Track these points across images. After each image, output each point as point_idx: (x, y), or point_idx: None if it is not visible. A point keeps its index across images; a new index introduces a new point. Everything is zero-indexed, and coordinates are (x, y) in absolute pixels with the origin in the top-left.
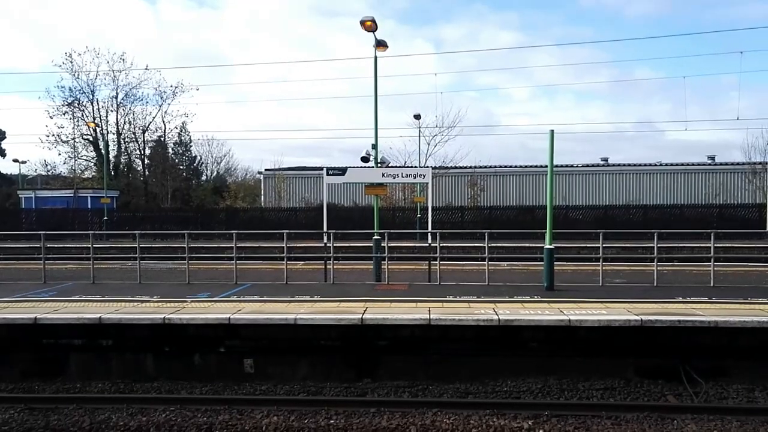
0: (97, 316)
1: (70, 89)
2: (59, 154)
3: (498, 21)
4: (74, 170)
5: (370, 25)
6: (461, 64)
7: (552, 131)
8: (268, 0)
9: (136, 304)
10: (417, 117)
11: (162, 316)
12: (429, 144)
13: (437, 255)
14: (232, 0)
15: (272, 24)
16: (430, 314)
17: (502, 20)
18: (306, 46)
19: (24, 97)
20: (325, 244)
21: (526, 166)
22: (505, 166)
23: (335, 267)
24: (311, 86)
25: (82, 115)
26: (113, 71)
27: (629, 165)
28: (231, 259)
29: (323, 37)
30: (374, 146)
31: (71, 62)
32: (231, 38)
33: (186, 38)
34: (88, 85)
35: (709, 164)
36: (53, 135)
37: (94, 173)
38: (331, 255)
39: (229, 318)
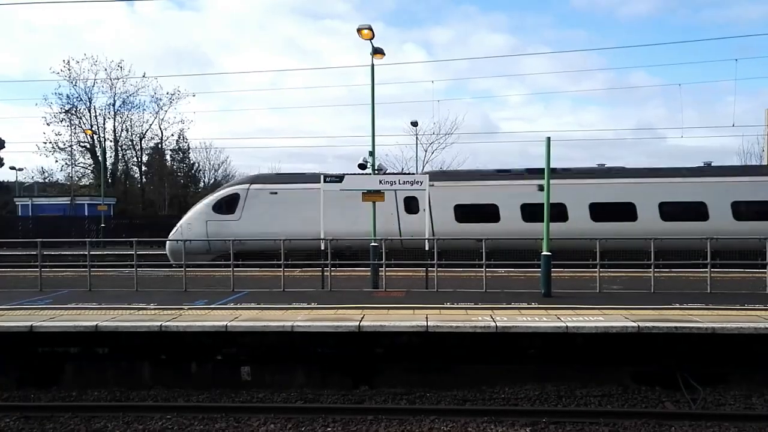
0: (94, 323)
1: (67, 96)
2: (56, 162)
3: (487, 23)
4: (71, 178)
5: (367, 34)
6: (455, 69)
7: (548, 138)
8: (248, 1)
9: (132, 311)
10: (414, 124)
11: (159, 323)
12: (426, 150)
13: (435, 261)
14: (210, 0)
15: (254, 24)
16: (427, 321)
17: (491, 22)
18: (292, 49)
19: (7, 103)
20: (322, 250)
21: None
22: None
23: (332, 274)
24: (305, 93)
25: (80, 123)
26: (110, 79)
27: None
28: (228, 266)
29: (309, 40)
30: (371, 153)
31: (69, 70)
32: (212, 39)
33: (164, 38)
34: (85, 93)
35: None
36: (50, 142)
37: (91, 180)
38: (328, 262)
39: (226, 325)
